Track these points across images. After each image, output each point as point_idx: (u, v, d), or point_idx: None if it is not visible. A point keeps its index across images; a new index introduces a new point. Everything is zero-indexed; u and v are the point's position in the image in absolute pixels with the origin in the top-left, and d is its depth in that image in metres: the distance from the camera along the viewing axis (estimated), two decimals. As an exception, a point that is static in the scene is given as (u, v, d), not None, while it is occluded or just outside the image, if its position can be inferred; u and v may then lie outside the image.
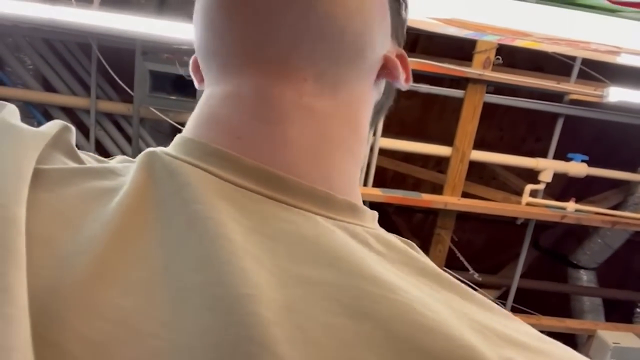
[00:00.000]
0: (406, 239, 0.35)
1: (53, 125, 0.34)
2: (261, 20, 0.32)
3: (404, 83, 0.42)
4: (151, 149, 0.33)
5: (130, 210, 0.27)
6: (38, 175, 0.27)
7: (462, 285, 0.30)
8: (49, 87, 2.59)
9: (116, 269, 0.24)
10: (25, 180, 0.26)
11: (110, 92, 2.63)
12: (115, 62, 2.47)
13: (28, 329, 0.20)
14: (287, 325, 0.22)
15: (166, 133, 2.74)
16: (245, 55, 0.33)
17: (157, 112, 2.46)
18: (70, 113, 2.63)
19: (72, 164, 0.32)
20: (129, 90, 2.47)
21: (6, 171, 0.26)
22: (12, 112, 0.32)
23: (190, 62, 0.42)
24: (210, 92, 0.35)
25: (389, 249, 0.31)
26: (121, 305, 0.23)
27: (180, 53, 2.38)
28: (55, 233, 0.25)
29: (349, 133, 0.36)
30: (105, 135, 2.66)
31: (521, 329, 0.28)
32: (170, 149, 0.33)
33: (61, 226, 0.25)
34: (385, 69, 0.40)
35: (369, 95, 0.39)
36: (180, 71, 2.33)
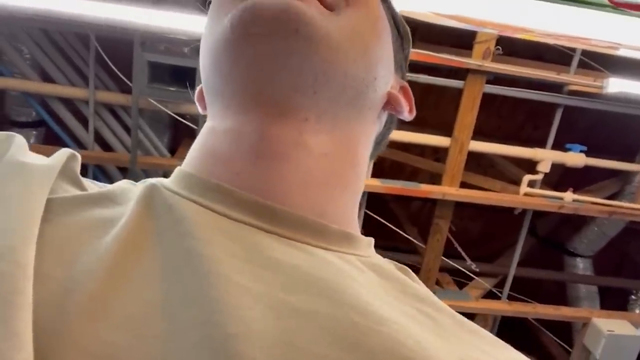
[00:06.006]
0: (402, 265, 0.36)
1: (61, 155, 0.34)
2: (264, 63, 0.32)
3: (407, 115, 0.42)
4: (152, 181, 0.33)
5: (126, 245, 0.27)
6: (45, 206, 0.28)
7: (454, 312, 0.32)
8: (46, 78, 2.57)
9: (109, 305, 0.24)
10: (36, 219, 0.26)
11: (109, 83, 2.62)
12: (113, 52, 2.45)
13: None
14: None
15: (165, 123, 2.73)
16: (248, 95, 0.33)
17: (155, 103, 2.45)
18: (68, 103, 2.62)
19: (74, 191, 0.32)
20: (127, 81, 2.45)
21: (18, 211, 0.26)
22: (20, 147, 0.32)
23: (196, 91, 0.43)
24: (212, 126, 0.36)
25: (382, 277, 0.32)
26: (111, 341, 0.23)
27: (179, 44, 2.37)
28: (52, 268, 0.25)
29: (348, 168, 0.36)
30: (103, 125, 2.65)
31: (511, 358, 0.30)
32: (171, 183, 0.33)
33: (57, 261, 0.25)
34: (389, 105, 0.40)
35: (370, 130, 0.40)
36: (179, 62, 2.32)
